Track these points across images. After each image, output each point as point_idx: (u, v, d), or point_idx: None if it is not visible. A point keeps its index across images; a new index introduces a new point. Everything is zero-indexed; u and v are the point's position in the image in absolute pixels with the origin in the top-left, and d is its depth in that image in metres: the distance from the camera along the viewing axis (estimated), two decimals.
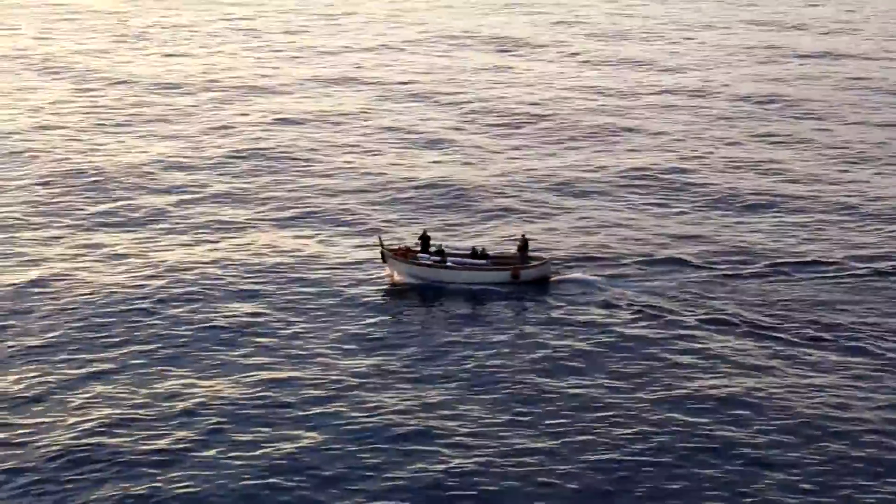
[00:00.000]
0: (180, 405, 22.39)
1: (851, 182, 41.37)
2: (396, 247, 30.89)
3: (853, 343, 25.79)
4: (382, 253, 30.23)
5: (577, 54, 65.73)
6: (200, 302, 28.42)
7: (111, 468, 19.91)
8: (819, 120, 51.03)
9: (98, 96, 54.32)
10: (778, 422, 21.73)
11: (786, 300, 28.76)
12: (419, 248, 30.69)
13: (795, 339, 26.02)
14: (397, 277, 30.37)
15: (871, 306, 28.37)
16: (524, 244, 30.57)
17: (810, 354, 25.18)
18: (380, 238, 30.84)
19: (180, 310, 27.89)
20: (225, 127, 48.64)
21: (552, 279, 30.27)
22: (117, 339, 25.93)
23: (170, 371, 24.21)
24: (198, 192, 39.01)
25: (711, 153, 45.38)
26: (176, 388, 23.24)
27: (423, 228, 32.16)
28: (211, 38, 69.74)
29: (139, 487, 19.21)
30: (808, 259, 32.24)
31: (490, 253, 31.03)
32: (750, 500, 19.01)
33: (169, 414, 22.05)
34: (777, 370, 24.31)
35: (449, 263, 30.32)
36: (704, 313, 27.63)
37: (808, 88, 56.96)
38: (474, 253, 30.92)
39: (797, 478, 19.67)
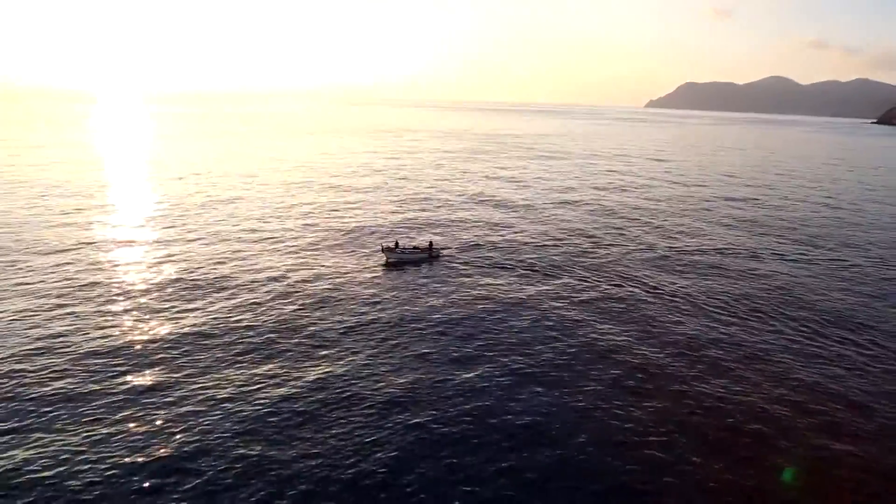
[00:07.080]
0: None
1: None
2: (386, 245, 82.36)
3: (618, 284, 76.94)
4: (381, 248, 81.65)
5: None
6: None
7: None
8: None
9: None
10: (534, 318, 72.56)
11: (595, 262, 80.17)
12: (395, 246, 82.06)
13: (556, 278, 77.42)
14: (387, 259, 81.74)
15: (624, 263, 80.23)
16: (431, 243, 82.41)
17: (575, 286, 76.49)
18: (382, 244, 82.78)
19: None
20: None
21: (443, 255, 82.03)
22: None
23: None
24: None
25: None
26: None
27: (395, 238, 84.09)
28: None
29: None
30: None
31: (419, 247, 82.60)
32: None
33: None
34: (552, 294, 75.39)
35: (406, 252, 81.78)
36: (518, 269, 78.18)
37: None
38: (415, 247, 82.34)
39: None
